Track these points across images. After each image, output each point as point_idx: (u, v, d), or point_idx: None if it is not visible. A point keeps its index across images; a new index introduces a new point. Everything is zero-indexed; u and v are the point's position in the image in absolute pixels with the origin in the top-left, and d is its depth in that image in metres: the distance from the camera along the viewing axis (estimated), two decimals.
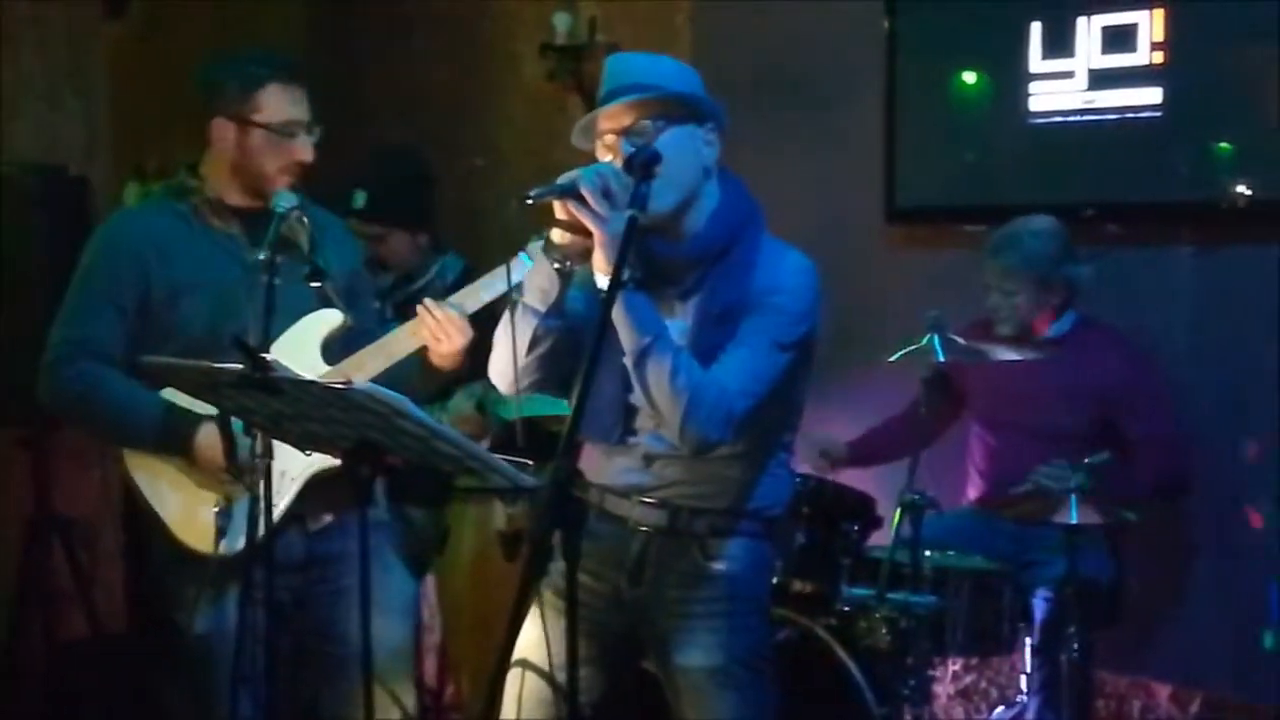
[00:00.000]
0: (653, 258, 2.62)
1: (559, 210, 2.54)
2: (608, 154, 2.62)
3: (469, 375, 3.16)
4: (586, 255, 2.56)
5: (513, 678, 2.73)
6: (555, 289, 2.61)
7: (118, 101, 4.83)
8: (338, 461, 2.80)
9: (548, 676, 2.66)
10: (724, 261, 2.63)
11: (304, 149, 3.01)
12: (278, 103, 2.98)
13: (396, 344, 3.03)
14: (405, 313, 3.95)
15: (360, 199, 3.96)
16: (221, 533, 2.93)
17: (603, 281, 2.51)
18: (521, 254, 2.90)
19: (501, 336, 2.68)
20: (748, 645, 2.72)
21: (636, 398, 2.61)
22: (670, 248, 2.64)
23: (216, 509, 2.93)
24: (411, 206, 4.08)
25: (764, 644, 2.79)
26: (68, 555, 4.19)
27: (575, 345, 2.67)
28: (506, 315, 2.65)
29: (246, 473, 2.78)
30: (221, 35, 5.41)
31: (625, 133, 2.59)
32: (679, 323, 2.63)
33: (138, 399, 2.95)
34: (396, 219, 4.02)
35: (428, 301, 3.00)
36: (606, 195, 2.49)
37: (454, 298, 3.03)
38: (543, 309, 2.63)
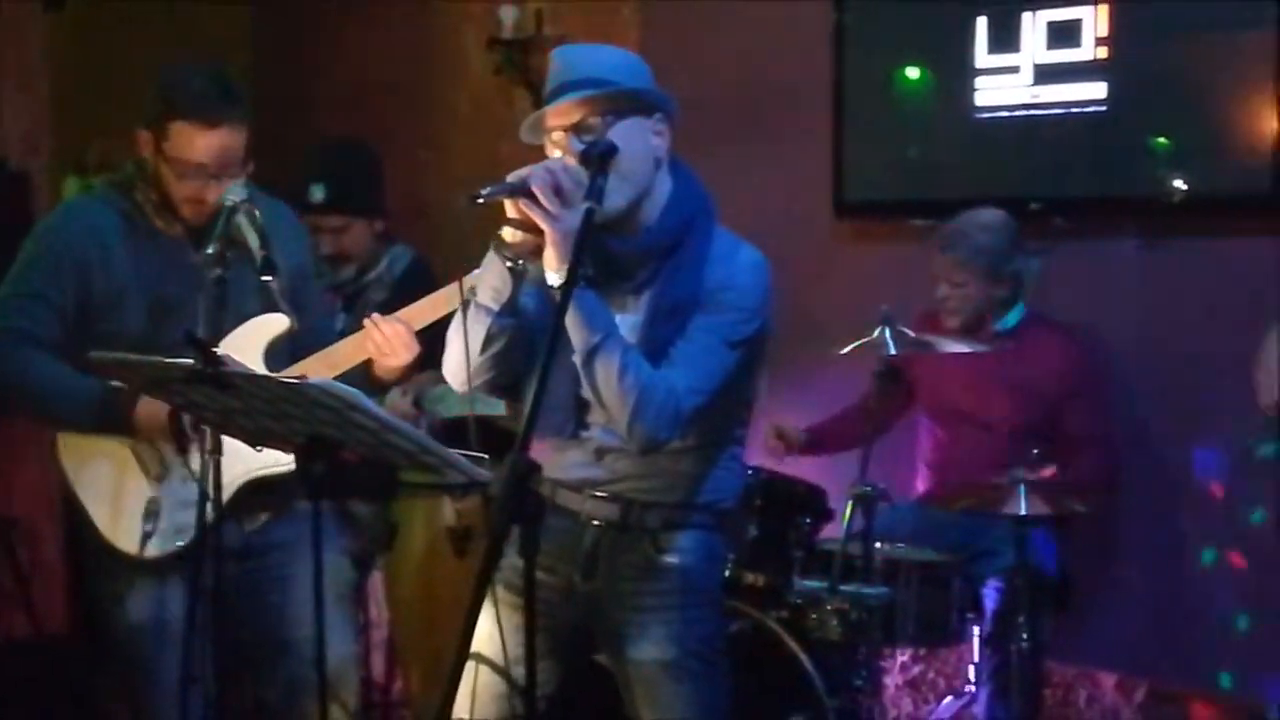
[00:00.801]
0: (606, 253, 2.60)
1: (510, 209, 2.52)
2: (556, 150, 2.60)
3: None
4: (539, 253, 2.54)
5: (465, 672, 2.71)
6: (508, 288, 2.60)
7: (57, 95, 4.76)
8: (273, 467, 2.85)
9: (502, 671, 2.64)
10: (676, 255, 2.62)
11: (207, 191, 2.88)
12: (183, 142, 2.87)
13: (342, 355, 3.01)
14: (357, 305, 3.98)
15: (319, 192, 3.94)
16: (147, 536, 2.91)
17: (554, 279, 2.49)
18: (454, 285, 2.91)
19: (454, 335, 2.67)
20: (700, 637, 2.72)
21: (587, 393, 2.60)
22: (623, 242, 2.63)
23: (148, 509, 2.91)
24: (368, 196, 4.08)
25: (717, 636, 2.79)
26: (7, 555, 4.13)
27: (528, 344, 2.66)
28: (459, 314, 2.64)
29: (194, 446, 2.75)
30: (164, 27, 5.36)
31: (574, 129, 2.58)
32: (630, 317, 2.62)
33: (76, 378, 2.91)
34: (356, 209, 4.01)
35: (375, 316, 2.99)
36: (558, 193, 2.47)
37: (402, 312, 3.01)
38: (496, 308, 2.62)
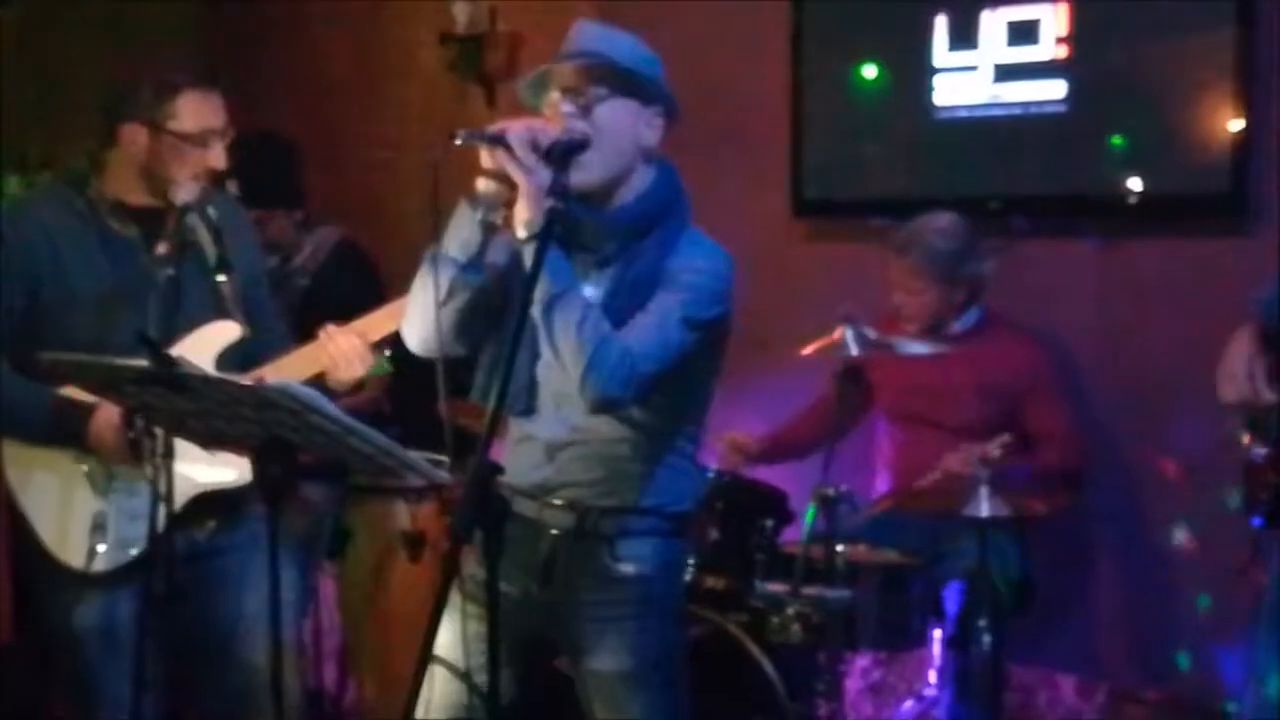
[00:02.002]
0: (575, 222, 2.57)
1: (485, 159, 2.50)
2: (550, 112, 2.59)
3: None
4: (510, 206, 2.51)
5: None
6: (477, 240, 2.56)
7: (2, 93, 4.68)
8: (223, 483, 2.82)
9: (463, 675, 2.60)
10: (644, 239, 2.61)
11: (216, 156, 2.92)
12: (193, 110, 2.88)
13: (294, 367, 2.93)
14: (282, 291, 3.93)
15: (234, 188, 3.92)
16: (94, 550, 2.86)
17: (522, 232, 2.47)
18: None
19: (418, 289, 2.62)
20: (658, 647, 2.69)
21: (543, 367, 2.59)
22: (594, 214, 2.61)
23: (95, 524, 2.85)
24: (285, 187, 4.09)
25: (675, 645, 2.74)
26: None
27: (490, 307, 2.62)
28: (425, 267, 2.58)
29: (147, 452, 2.69)
30: (110, 24, 5.27)
31: (568, 92, 2.57)
32: (592, 290, 2.60)
33: (27, 389, 2.85)
34: (273, 201, 4.01)
35: (330, 328, 2.92)
36: (534, 148, 2.46)
37: (359, 323, 2.94)
38: (463, 260, 2.57)
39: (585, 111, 2.56)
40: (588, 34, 2.65)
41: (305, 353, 2.95)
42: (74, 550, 2.87)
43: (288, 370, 2.92)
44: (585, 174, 2.53)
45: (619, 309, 2.56)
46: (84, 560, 2.85)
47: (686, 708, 2.75)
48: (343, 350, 2.91)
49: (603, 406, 2.54)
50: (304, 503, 3.89)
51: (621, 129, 2.58)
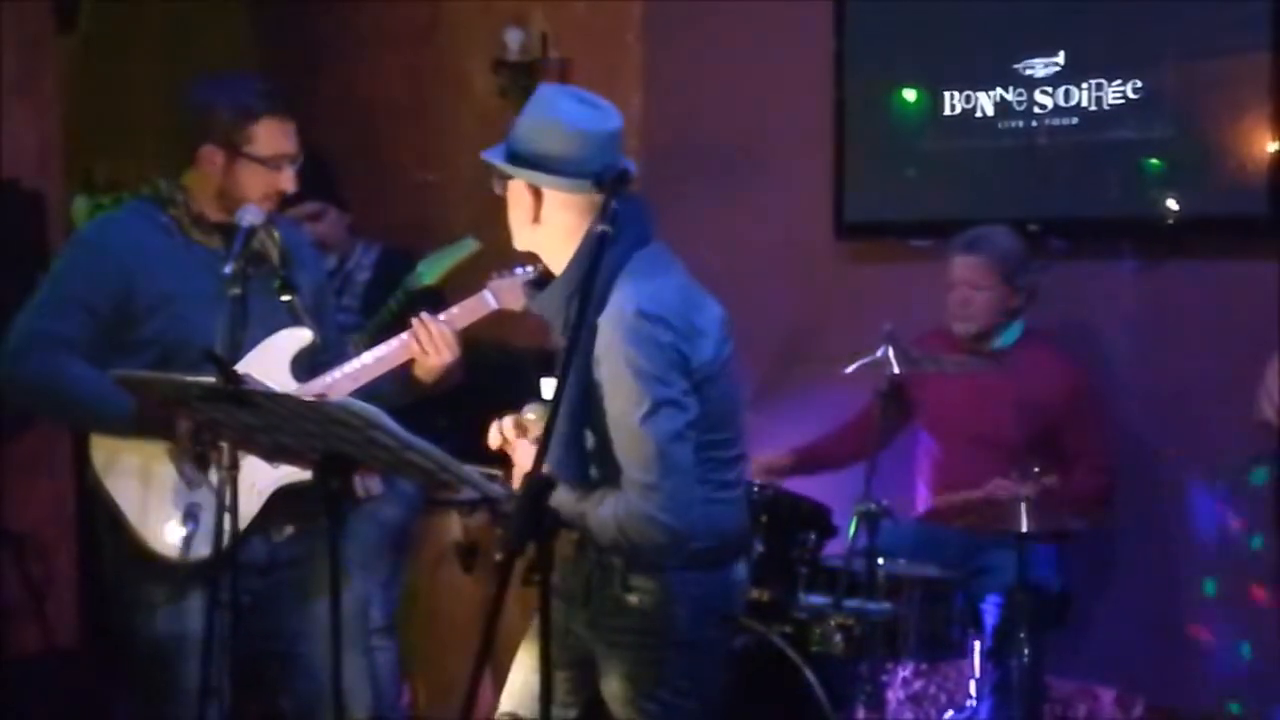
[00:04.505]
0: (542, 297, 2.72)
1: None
2: None
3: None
4: None
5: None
6: None
7: (68, 116, 4.81)
8: (304, 475, 2.84)
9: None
10: (575, 299, 2.57)
11: (288, 179, 3.05)
12: (270, 136, 3.02)
13: (391, 355, 3.07)
14: (349, 286, 4.09)
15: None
16: (188, 541, 2.95)
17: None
18: (486, 292, 3.08)
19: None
20: (655, 679, 2.69)
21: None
22: (550, 287, 2.71)
23: (188, 513, 2.94)
24: (333, 189, 4.19)
25: (680, 677, 2.71)
26: (19, 569, 4.16)
27: None
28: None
29: (214, 465, 2.80)
30: (170, 48, 5.40)
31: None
32: (552, 383, 2.68)
33: (112, 386, 2.91)
34: (328, 195, 4.12)
35: (424, 316, 3.06)
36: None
37: (445, 314, 3.09)
38: None
39: (516, 204, 2.70)
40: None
41: (398, 341, 3.08)
42: (166, 538, 2.96)
43: (385, 359, 3.06)
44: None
45: (567, 413, 2.59)
46: (178, 548, 2.94)
47: None
48: (434, 336, 3.04)
49: (675, 551, 2.60)
50: (398, 494, 4.01)
51: (522, 213, 2.69)
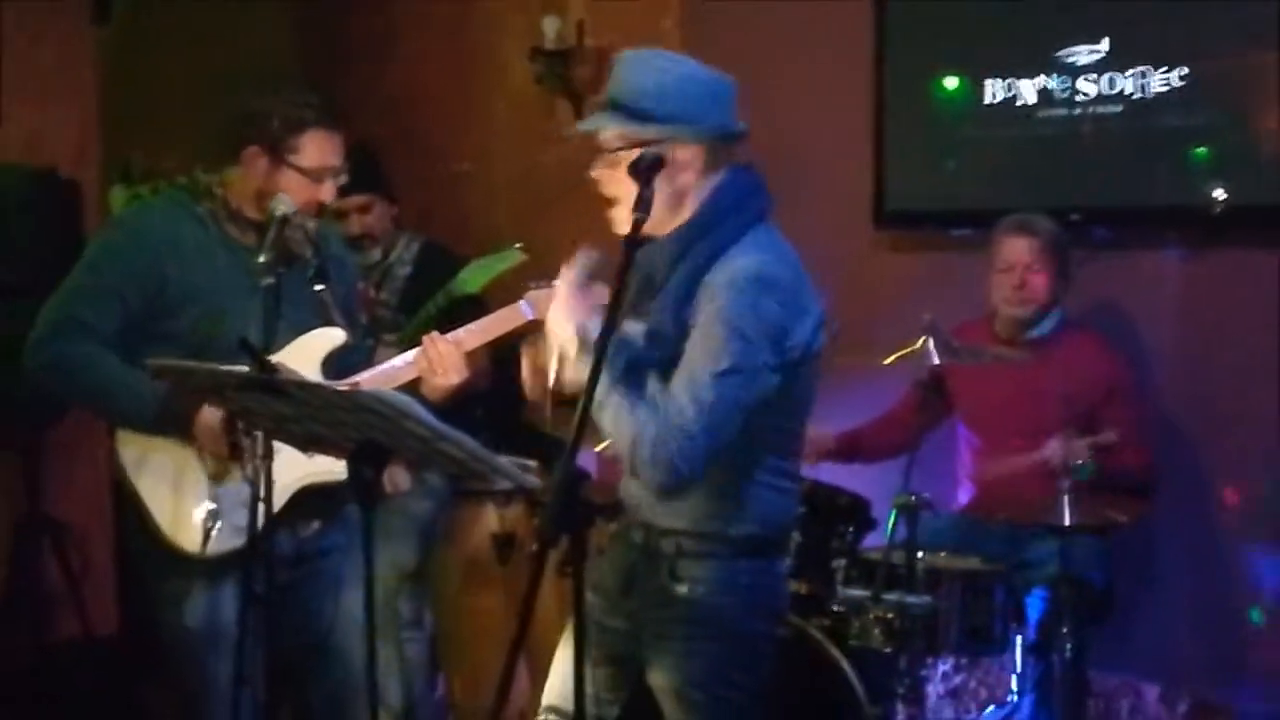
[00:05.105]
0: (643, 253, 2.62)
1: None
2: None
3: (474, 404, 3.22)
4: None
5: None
6: None
7: (104, 106, 4.82)
8: (328, 474, 2.87)
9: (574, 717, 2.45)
10: (691, 257, 2.59)
11: (328, 191, 3.05)
12: (317, 148, 3.01)
13: (396, 373, 3.05)
14: (388, 282, 4.08)
15: (342, 178, 4.02)
16: (209, 534, 2.94)
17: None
18: (522, 302, 3.00)
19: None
20: (705, 670, 2.67)
21: None
22: (653, 245, 2.65)
23: (209, 508, 2.94)
24: (384, 178, 4.17)
25: (729, 668, 2.68)
26: (58, 557, 4.18)
27: None
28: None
29: (247, 454, 2.79)
30: (206, 40, 5.41)
31: (603, 155, 2.64)
32: (639, 325, 2.65)
33: (139, 378, 2.93)
34: (377, 187, 4.11)
35: (434, 335, 3.04)
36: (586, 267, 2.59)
37: (459, 332, 3.05)
38: None
39: (613, 167, 2.61)
40: (616, 75, 2.66)
41: (406, 358, 3.06)
42: (188, 533, 2.97)
43: (391, 375, 3.04)
44: (619, 229, 2.60)
45: (660, 337, 2.59)
46: (198, 543, 2.94)
47: None
48: (442, 357, 3.01)
49: (667, 493, 2.57)
50: (426, 487, 4.00)
51: (658, 184, 2.56)
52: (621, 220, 2.59)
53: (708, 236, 2.60)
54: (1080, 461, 3.48)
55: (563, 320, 2.59)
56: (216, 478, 2.96)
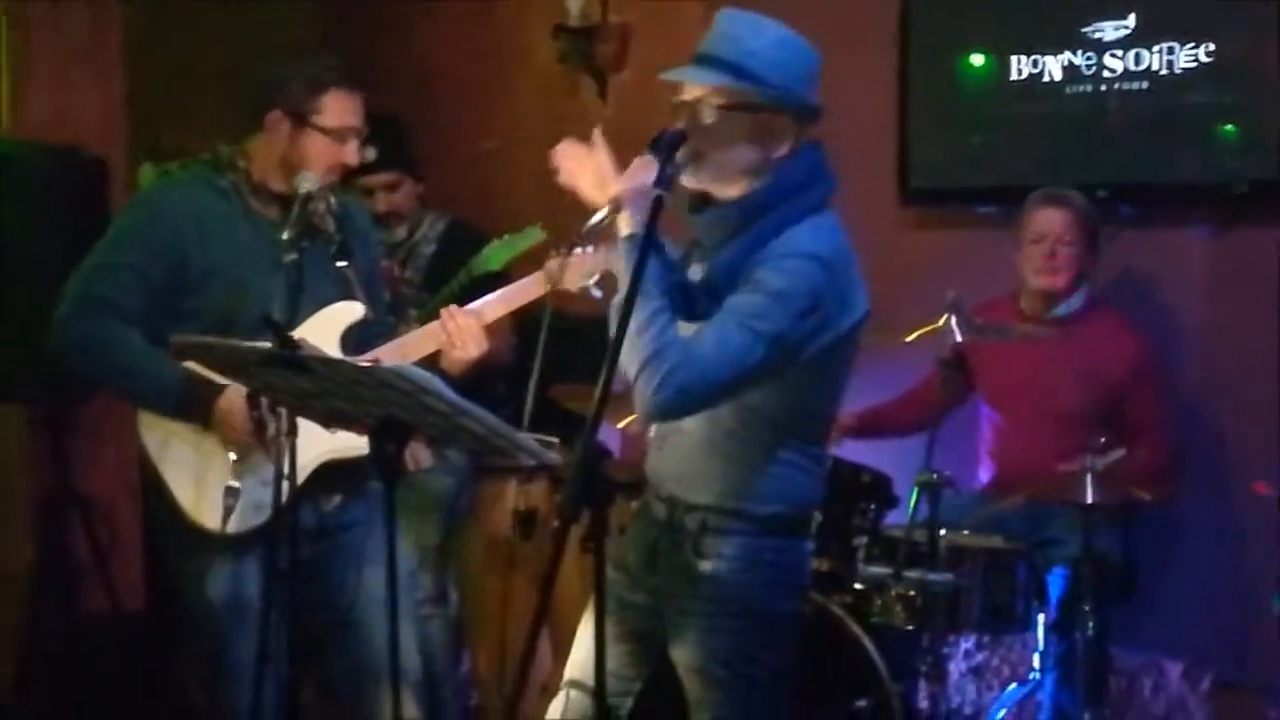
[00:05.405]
0: (700, 218, 2.64)
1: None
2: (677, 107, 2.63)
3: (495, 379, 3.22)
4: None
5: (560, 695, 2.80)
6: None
7: (131, 84, 4.83)
8: (349, 450, 2.87)
9: (596, 686, 2.46)
10: (740, 235, 2.59)
11: (351, 152, 3.06)
12: (339, 108, 3.03)
13: (413, 346, 3.06)
14: (412, 260, 4.11)
15: (371, 153, 4.04)
16: (229, 511, 2.96)
17: (625, 231, 2.52)
18: (542, 272, 3.02)
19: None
20: (729, 647, 2.67)
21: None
22: (699, 211, 2.66)
23: (229, 485, 2.95)
24: (408, 158, 4.19)
25: (751, 645, 2.68)
26: (86, 532, 4.20)
27: None
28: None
29: (270, 442, 2.81)
30: (234, 17, 5.41)
31: (689, 110, 2.59)
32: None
33: (160, 361, 2.95)
34: (405, 165, 4.14)
35: (452, 307, 3.05)
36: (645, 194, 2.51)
37: (479, 303, 3.06)
38: None
39: (706, 131, 2.58)
40: (721, 31, 2.62)
41: (427, 331, 3.07)
42: (209, 510, 2.98)
43: (409, 348, 3.05)
44: (695, 180, 2.58)
45: (703, 305, 2.58)
46: (218, 521, 2.95)
47: (776, 708, 2.72)
48: (460, 330, 3.02)
49: (654, 416, 2.54)
50: (448, 464, 4.01)
51: (738, 148, 2.59)
52: (703, 180, 2.58)
53: (772, 212, 2.59)
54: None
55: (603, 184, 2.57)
56: (238, 456, 2.97)
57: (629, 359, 2.47)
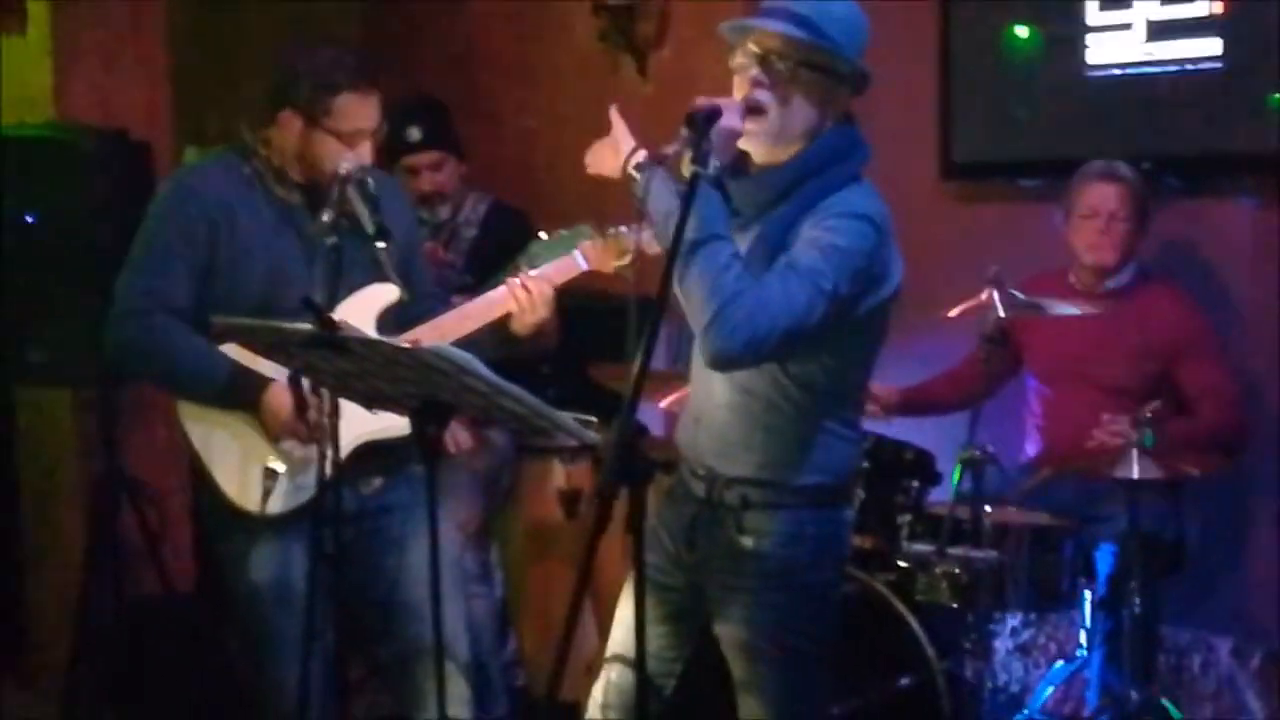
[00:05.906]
0: (738, 185, 2.63)
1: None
2: (737, 70, 2.61)
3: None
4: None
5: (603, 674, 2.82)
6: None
7: (176, 68, 4.86)
8: (389, 430, 2.90)
9: (636, 665, 2.46)
10: (786, 201, 2.59)
11: (364, 154, 3.02)
12: (349, 112, 2.99)
13: (484, 310, 3.09)
14: (455, 242, 4.13)
15: (416, 132, 4.09)
16: (268, 493, 2.98)
17: (687, 169, 2.49)
18: (576, 252, 3.08)
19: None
20: (774, 621, 2.67)
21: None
22: (742, 178, 2.65)
23: (268, 468, 2.98)
24: (456, 136, 4.22)
25: (801, 620, 2.69)
26: (136, 514, 4.24)
27: None
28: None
29: (314, 425, 2.83)
30: (274, 1, 5.43)
31: (761, 61, 2.57)
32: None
33: (208, 353, 2.97)
34: (449, 145, 4.16)
35: (521, 275, 3.08)
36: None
37: (544, 269, 3.10)
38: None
39: (772, 84, 2.57)
40: None
41: (494, 296, 3.10)
42: (249, 493, 3.00)
43: (475, 314, 3.08)
44: (754, 143, 2.59)
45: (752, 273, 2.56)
46: (259, 503, 2.98)
47: (814, 682, 2.73)
48: (534, 294, 3.05)
49: (721, 363, 2.52)
50: (489, 445, 4.03)
51: (800, 106, 2.58)
52: (759, 131, 2.58)
53: (816, 178, 2.58)
54: (1134, 434, 3.42)
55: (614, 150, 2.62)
56: (277, 437, 2.99)
57: (701, 298, 2.47)
